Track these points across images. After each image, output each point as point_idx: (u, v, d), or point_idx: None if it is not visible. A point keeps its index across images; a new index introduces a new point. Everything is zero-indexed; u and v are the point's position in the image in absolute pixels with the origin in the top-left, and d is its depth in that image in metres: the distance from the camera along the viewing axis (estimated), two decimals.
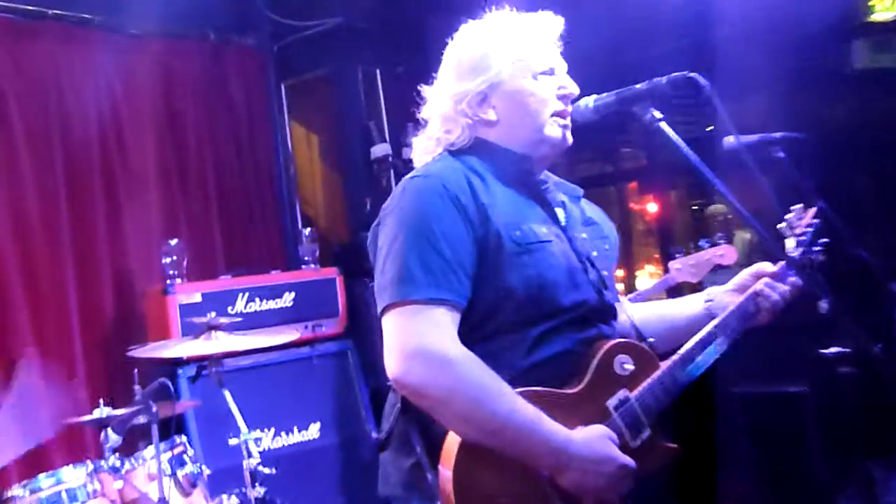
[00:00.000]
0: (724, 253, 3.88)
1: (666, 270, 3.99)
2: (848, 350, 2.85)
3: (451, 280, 1.95)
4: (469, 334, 1.97)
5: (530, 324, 2.01)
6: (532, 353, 2.01)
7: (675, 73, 2.08)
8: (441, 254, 1.96)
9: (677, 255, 3.95)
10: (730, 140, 2.32)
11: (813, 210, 2.46)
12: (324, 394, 4.80)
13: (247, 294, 4.71)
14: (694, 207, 7.05)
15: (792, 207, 2.45)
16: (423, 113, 2.22)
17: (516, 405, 1.91)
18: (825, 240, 2.40)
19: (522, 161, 2.15)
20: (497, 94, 2.15)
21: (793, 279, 2.28)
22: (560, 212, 2.21)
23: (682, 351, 2.16)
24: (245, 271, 4.87)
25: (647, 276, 7.56)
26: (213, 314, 3.71)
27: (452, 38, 2.21)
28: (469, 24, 2.22)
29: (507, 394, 1.92)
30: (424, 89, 2.22)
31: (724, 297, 2.33)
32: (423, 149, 2.22)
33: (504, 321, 2.00)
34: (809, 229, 2.42)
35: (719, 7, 4.72)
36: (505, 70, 2.14)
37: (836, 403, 4.11)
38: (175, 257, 4.61)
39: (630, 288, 7.04)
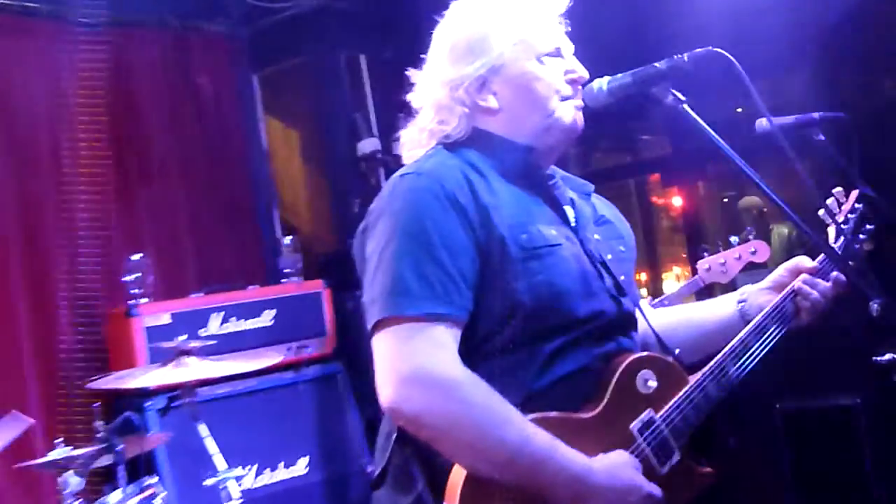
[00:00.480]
0: (757, 249, 3.90)
1: (695, 272, 4.00)
2: None
3: (450, 292, 1.94)
4: (472, 353, 1.96)
5: (542, 339, 2.00)
6: (545, 372, 2.00)
7: (699, 49, 2.07)
8: (439, 262, 1.94)
9: (705, 254, 3.97)
10: (762, 123, 2.31)
11: (855, 193, 2.45)
12: (312, 424, 4.80)
13: (222, 313, 4.71)
14: (725, 200, 7.06)
15: (833, 191, 2.44)
16: (413, 102, 2.21)
17: (528, 433, 1.90)
18: (870, 227, 2.39)
19: (528, 153, 2.15)
20: (498, 79, 2.13)
21: (835, 274, 2.27)
22: (569, 210, 2.20)
23: (713, 362, 2.15)
24: (219, 287, 4.86)
25: (673, 279, 7.57)
26: (184, 337, 3.71)
27: (443, 17, 2.20)
28: (461, 1, 2.21)
29: (518, 420, 1.90)
30: (413, 74, 2.21)
31: (759, 296, 2.31)
32: (414, 142, 2.20)
33: (512, 337, 1.99)
34: (852, 216, 2.41)
35: None
36: (507, 52, 2.12)
37: (891, 415, 4.10)
38: (139, 274, 4.61)
39: (656, 293, 7.05)
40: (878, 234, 2.42)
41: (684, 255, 7.27)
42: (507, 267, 1.99)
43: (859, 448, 4.37)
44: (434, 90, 2.17)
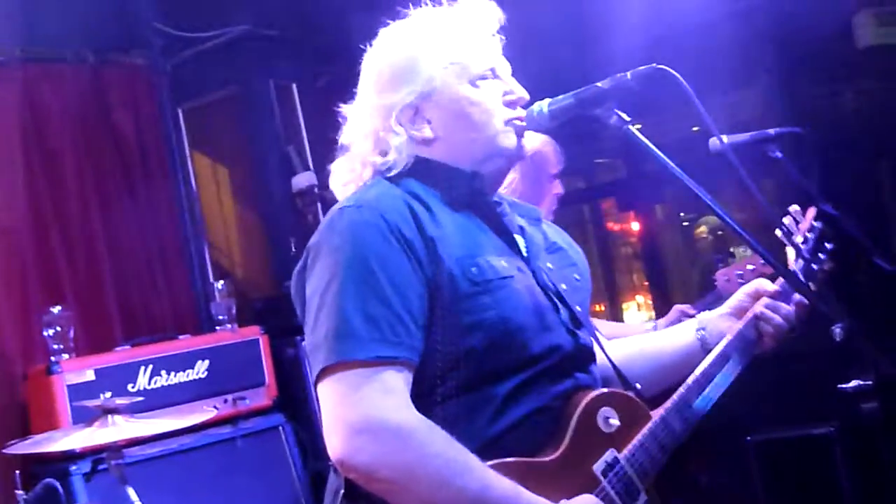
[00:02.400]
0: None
1: (709, 286, 4.08)
2: (870, 382, 2.88)
3: (399, 333, 1.93)
4: (423, 397, 1.96)
5: (496, 379, 2.00)
6: (501, 415, 2.00)
7: (642, 67, 2.09)
8: (386, 301, 1.93)
9: (719, 265, 4.06)
10: (714, 142, 2.34)
11: (813, 211, 2.48)
12: (253, 482, 4.73)
13: (150, 366, 4.65)
14: (685, 223, 7.13)
15: (789, 209, 2.48)
16: (344, 134, 2.21)
17: (489, 480, 1.89)
18: (830, 246, 2.43)
19: (472, 179, 2.14)
20: (430, 106, 2.13)
21: (798, 297, 2.29)
22: (519, 239, 2.20)
23: (675, 395, 2.16)
24: (147, 339, 4.82)
25: (635, 309, 7.60)
26: (109, 394, 3.66)
27: (371, 44, 2.20)
28: (390, 25, 2.21)
29: (478, 468, 1.90)
30: (343, 107, 2.21)
31: (719, 323, 2.33)
32: (350, 174, 2.20)
33: (465, 378, 1.98)
34: (811, 235, 2.44)
35: None
36: (437, 76, 2.12)
37: (867, 442, 4.15)
38: (59, 328, 4.55)
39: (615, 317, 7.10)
40: (840, 251, 2.45)
41: (646, 283, 7.32)
42: (457, 303, 1.98)
43: (836, 478, 4.41)
44: (367, 120, 2.16)
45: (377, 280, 1.94)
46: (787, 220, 2.47)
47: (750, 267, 3.98)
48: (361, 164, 2.17)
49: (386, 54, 2.17)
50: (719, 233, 6.53)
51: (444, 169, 2.14)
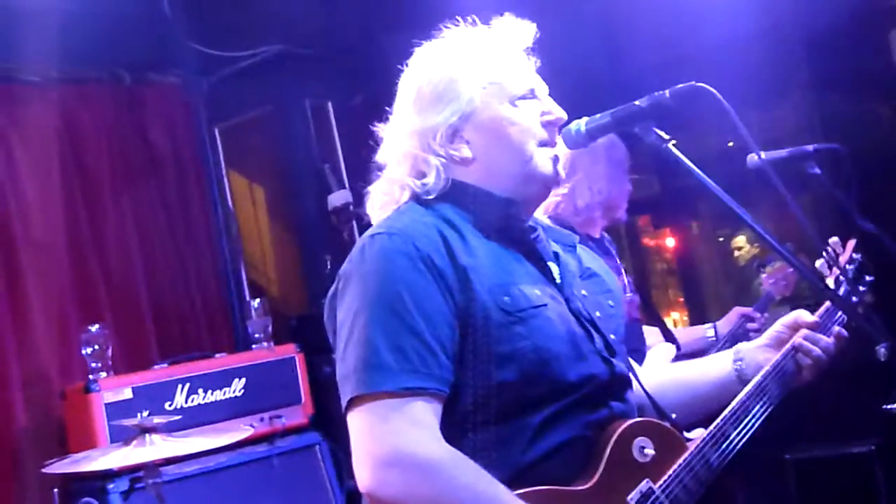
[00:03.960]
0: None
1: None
2: None
3: (429, 364, 1.92)
4: (454, 428, 1.95)
5: (530, 409, 1.98)
6: (534, 444, 1.98)
7: (680, 85, 2.08)
8: (415, 331, 1.92)
9: (761, 270, 4.05)
10: (752, 158, 2.33)
11: (852, 243, 2.47)
12: (289, 501, 4.72)
13: (187, 385, 4.65)
14: (721, 239, 7.09)
15: (829, 241, 2.45)
16: (380, 156, 2.20)
17: None
18: (870, 278, 2.40)
19: (507, 206, 2.13)
20: (470, 127, 2.12)
21: (837, 329, 2.27)
22: (553, 266, 2.19)
23: (713, 426, 2.14)
24: (184, 357, 4.81)
25: (670, 325, 7.55)
26: (147, 413, 3.67)
27: (407, 65, 2.20)
28: (426, 45, 2.21)
29: (508, 500, 1.88)
30: (381, 128, 2.20)
31: (756, 354, 2.30)
32: (383, 197, 2.18)
33: (498, 408, 1.97)
34: (850, 266, 2.42)
35: (725, 2, 4.78)
36: (477, 97, 2.12)
37: None
38: (97, 346, 4.55)
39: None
40: (881, 273, 2.42)
41: (680, 300, 7.27)
42: (489, 333, 1.97)
43: (876, 497, 4.36)
44: (404, 141, 2.15)
45: (407, 309, 1.93)
46: (827, 252, 2.44)
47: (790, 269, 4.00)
48: (400, 186, 2.15)
49: (424, 75, 2.16)
50: (755, 245, 6.49)
51: (479, 193, 2.13)
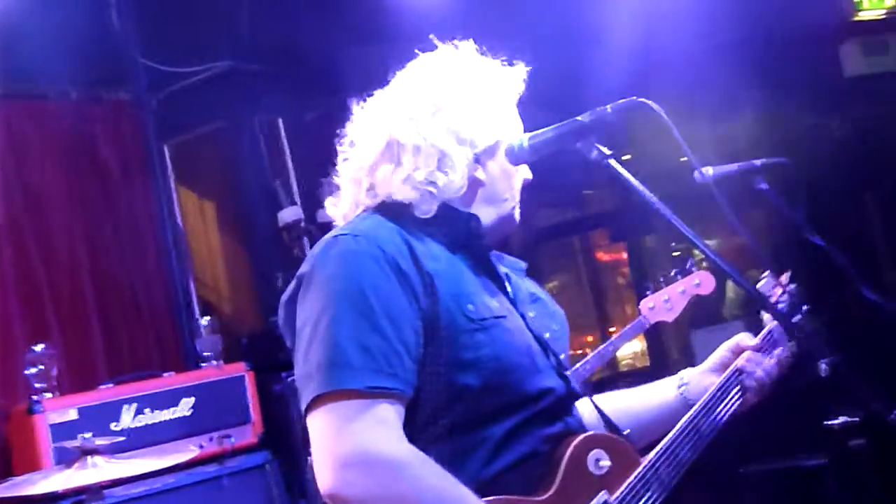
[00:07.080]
0: (701, 281, 3.94)
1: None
2: (856, 419, 2.87)
3: (394, 364, 1.90)
4: (416, 435, 1.93)
5: (492, 419, 1.98)
6: (496, 457, 1.98)
7: (622, 100, 2.08)
8: (381, 331, 1.91)
9: (648, 293, 4.00)
10: (698, 174, 2.32)
11: (786, 275, 2.50)
12: None
13: (134, 404, 4.60)
14: (676, 253, 7.13)
15: (761, 276, 2.49)
16: (349, 165, 2.16)
17: None
18: (805, 307, 2.42)
19: (469, 221, 2.13)
20: (488, 159, 2.16)
21: (779, 351, 2.31)
22: (507, 286, 2.20)
23: (664, 443, 2.15)
24: (132, 376, 4.76)
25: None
26: (89, 434, 3.61)
27: (405, 67, 2.19)
28: (440, 55, 2.19)
29: (473, 502, 1.88)
30: (380, 128, 2.15)
31: (701, 379, 2.33)
32: (400, 187, 2.11)
33: (460, 417, 1.96)
34: (785, 297, 2.44)
35: (676, 18, 4.80)
36: (502, 138, 2.17)
37: (859, 474, 4.12)
38: (42, 366, 4.49)
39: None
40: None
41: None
42: (453, 339, 1.97)
43: None
44: (427, 136, 2.10)
45: (372, 310, 1.92)
46: (761, 284, 2.48)
47: (680, 289, 3.92)
48: (414, 180, 2.09)
49: (453, 93, 2.15)
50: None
51: (445, 209, 2.11)
